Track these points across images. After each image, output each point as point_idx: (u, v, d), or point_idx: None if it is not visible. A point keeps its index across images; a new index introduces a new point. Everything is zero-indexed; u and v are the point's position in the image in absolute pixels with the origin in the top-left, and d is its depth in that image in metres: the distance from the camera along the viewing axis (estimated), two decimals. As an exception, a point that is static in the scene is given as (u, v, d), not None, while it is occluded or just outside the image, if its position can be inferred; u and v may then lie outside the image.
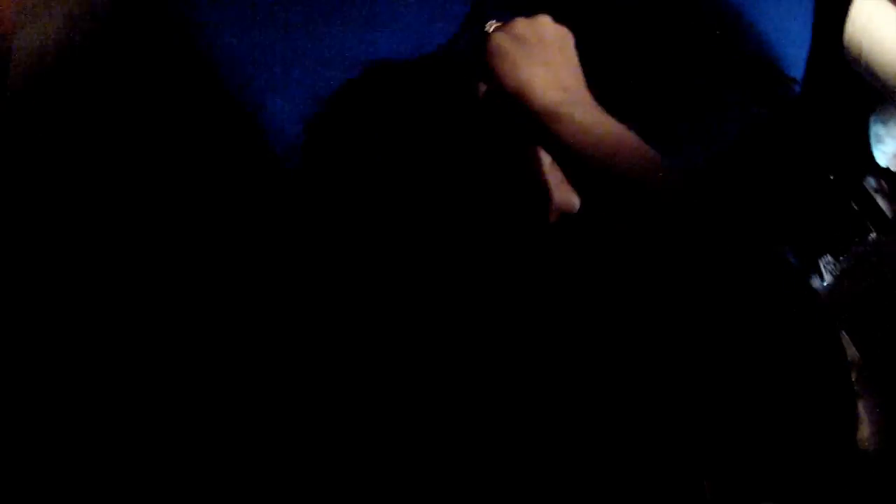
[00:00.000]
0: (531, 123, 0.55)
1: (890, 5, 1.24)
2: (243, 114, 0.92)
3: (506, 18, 0.67)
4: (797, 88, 1.18)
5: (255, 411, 0.77)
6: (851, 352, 1.29)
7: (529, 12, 0.65)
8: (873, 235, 1.34)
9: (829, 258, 1.31)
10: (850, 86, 1.27)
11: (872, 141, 1.45)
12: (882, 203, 1.38)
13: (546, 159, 0.64)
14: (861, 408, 1.31)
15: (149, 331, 0.93)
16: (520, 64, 0.58)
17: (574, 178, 0.55)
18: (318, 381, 0.69)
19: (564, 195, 0.65)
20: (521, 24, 0.61)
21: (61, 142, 0.92)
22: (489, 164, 0.65)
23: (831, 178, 1.29)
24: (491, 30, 0.61)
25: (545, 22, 0.61)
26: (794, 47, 1.19)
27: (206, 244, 0.98)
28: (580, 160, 0.51)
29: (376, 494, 0.59)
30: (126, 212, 0.98)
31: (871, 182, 1.38)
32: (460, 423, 0.55)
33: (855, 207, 1.31)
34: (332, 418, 0.65)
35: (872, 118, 1.50)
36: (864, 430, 1.24)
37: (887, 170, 1.50)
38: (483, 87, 0.65)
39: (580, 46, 0.67)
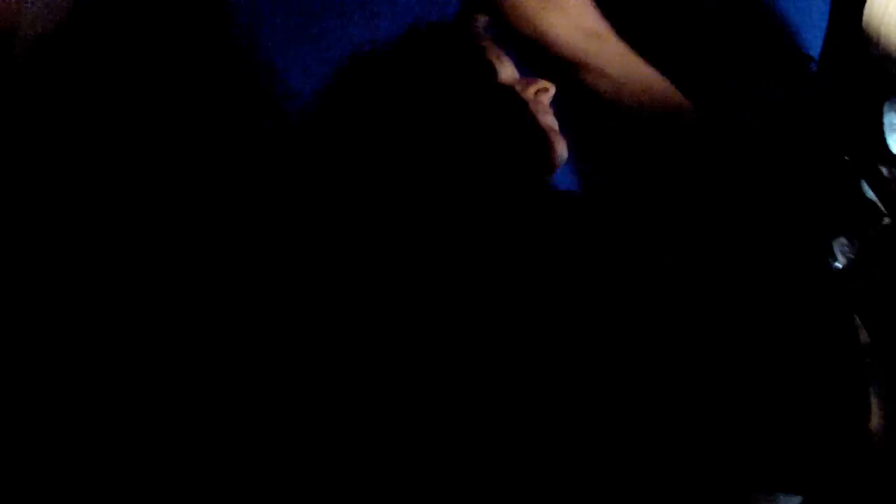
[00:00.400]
0: (557, 72, 0.54)
1: (909, -13, 1.23)
2: (251, 65, 0.92)
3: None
4: (813, 67, 1.17)
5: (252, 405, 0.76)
6: (863, 336, 1.27)
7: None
8: (887, 220, 1.32)
9: (844, 240, 1.29)
10: (866, 69, 1.26)
11: (886, 129, 1.44)
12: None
13: (543, 107, 0.62)
14: (872, 395, 1.29)
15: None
16: (536, 9, 0.57)
17: (606, 122, 0.54)
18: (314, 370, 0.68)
19: (560, 145, 0.63)
20: None
21: (68, 83, 0.91)
22: (489, 116, 0.63)
23: (846, 159, 1.28)
24: None
25: None
26: (811, 25, 1.18)
27: (209, 201, 0.97)
28: (613, 109, 0.50)
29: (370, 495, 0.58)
30: (130, 163, 0.97)
31: (884, 169, 1.37)
32: (458, 424, 0.54)
33: (870, 192, 1.30)
34: (329, 415, 0.64)
35: (886, 106, 1.49)
36: (876, 419, 1.22)
37: (898, 162, 1.49)
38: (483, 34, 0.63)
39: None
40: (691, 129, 0.50)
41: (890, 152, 1.36)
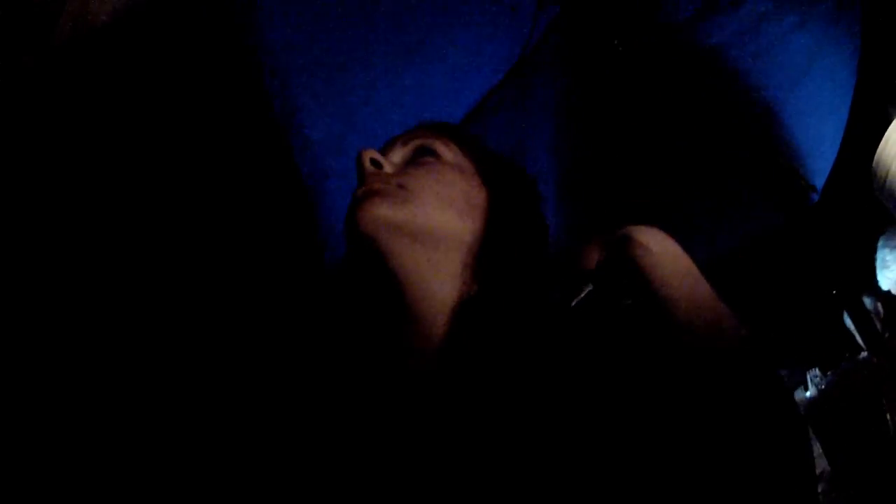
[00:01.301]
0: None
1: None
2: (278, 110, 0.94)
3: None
4: (815, 197, 1.20)
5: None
6: (822, 463, 1.28)
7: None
8: (864, 355, 1.34)
9: (817, 371, 1.31)
10: (865, 205, 1.29)
11: (878, 265, 1.46)
12: (878, 325, 1.39)
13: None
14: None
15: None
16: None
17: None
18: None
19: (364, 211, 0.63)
20: None
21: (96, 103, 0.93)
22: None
23: (833, 292, 1.30)
24: None
25: None
26: (820, 157, 1.21)
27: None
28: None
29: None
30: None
31: (869, 303, 1.39)
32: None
33: (851, 325, 1.32)
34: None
35: (881, 242, 1.51)
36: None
37: (888, 294, 1.51)
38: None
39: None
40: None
41: (877, 287, 1.38)
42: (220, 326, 0.94)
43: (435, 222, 0.62)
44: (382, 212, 0.60)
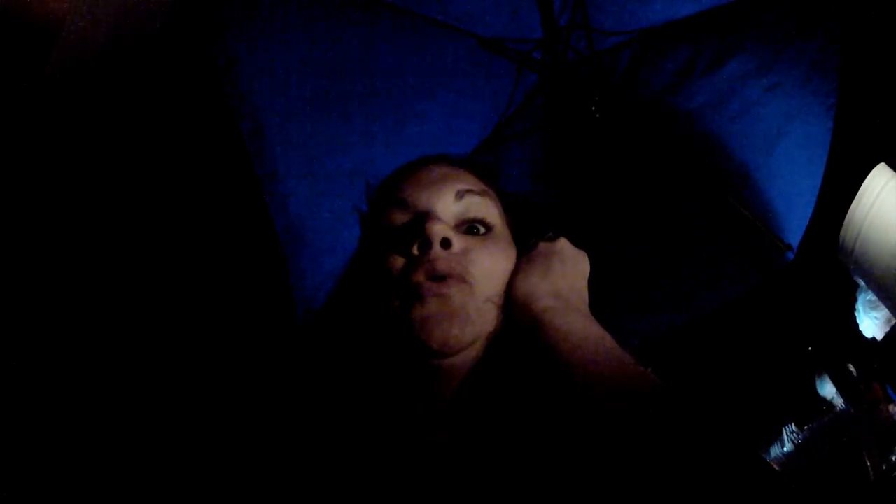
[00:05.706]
0: (524, 325, 0.58)
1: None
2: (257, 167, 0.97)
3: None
4: (791, 256, 1.22)
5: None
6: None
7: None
8: (840, 408, 1.36)
9: (794, 427, 1.33)
10: (838, 261, 1.31)
11: (864, 308, 1.47)
12: (853, 377, 1.40)
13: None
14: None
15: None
16: (523, 273, 0.61)
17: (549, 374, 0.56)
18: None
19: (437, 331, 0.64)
20: (541, 246, 0.64)
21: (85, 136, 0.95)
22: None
23: (809, 349, 1.32)
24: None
25: (563, 244, 0.65)
26: (796, 216, 1.23)
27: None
28: (556, 360, 0.53)
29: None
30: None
31: (852, 368, 1.40)
32: None
33: (826, 388, 1.33)
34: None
35: (861, 288, 1.53)
36: None
37: (870, 343, 1.52)
38: None
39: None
40: (629, 387, 0.53)
41: (855, 340, 1.39)
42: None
43: (491, 309, 0.64)
44: (455, 333, 0.61)
